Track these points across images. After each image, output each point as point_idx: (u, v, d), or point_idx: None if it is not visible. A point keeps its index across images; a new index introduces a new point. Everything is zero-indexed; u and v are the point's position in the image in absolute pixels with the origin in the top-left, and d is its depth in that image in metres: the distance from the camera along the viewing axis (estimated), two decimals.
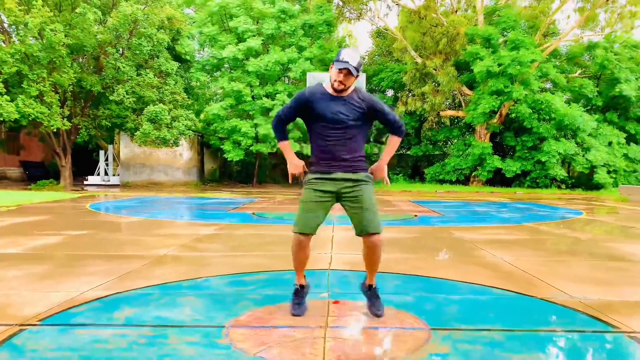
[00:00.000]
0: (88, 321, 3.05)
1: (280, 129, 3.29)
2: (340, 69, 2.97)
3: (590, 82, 25.26)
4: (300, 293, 3.27)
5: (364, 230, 3.06)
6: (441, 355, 2.59)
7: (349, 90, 3.09)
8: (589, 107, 26.28)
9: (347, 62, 2.94)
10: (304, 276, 3.30)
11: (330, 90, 3.09)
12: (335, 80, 3.02)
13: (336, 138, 3.06)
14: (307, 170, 3.24)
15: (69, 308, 3.29)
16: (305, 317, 3.17)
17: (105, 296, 3.60)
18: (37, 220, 8.56)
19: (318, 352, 2.59)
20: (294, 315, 3.15)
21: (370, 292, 3.25)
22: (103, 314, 3.19)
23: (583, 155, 23.15)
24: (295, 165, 3.25)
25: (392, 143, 3.29)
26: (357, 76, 3.03)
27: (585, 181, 23.90)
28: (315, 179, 3.12)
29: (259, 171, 25.79)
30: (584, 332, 3.01)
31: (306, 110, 3.12)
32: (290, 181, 3.35)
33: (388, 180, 3.33)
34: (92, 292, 3.70)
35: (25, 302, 3.42)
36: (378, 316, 3.12)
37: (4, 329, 2.85)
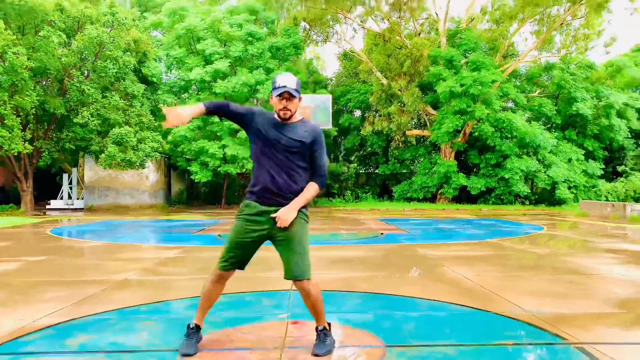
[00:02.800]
0: (39, 349, 2.98)
1: (214, 105, 2.99)
2: (279, 95, 2.88)
3: (549, 101, 26.22)
4: (197, 333, 2.99)
5: (289, 276, 2.85)
6: None
7: (296, 119, 3.00)
8: (548, 125, 27.23)
9: (285, 86, 2.86)
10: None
11: (278, 119, 2.99)
12: (279, 110, 2.91)
13: (276, 163, 2.90)
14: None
15: (20, 336, 3.21)
16: (264, 338, 3.18)
17: (59, 323, 3.52)
18: None
19: None
20: (185, 355, 2.84)
21: (317, 334, 2.98)
22: (56, 341, 3.13)
23: (545, 172, 23.85)
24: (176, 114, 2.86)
25: (311, 189, 2.96)
26: (300, 98, 2.96)
27: (547, 197, 24.61)
28: (248, 214, 2.94)
29: (227, 192, 25.62)
30: (533, 344, 3.11)
31: (251, 122, 2.99)
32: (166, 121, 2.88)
33: (286, 221, 2.86)
34: (46, 319, 3.61)
35: None
36: (315, 355, 2.84)
37: None
